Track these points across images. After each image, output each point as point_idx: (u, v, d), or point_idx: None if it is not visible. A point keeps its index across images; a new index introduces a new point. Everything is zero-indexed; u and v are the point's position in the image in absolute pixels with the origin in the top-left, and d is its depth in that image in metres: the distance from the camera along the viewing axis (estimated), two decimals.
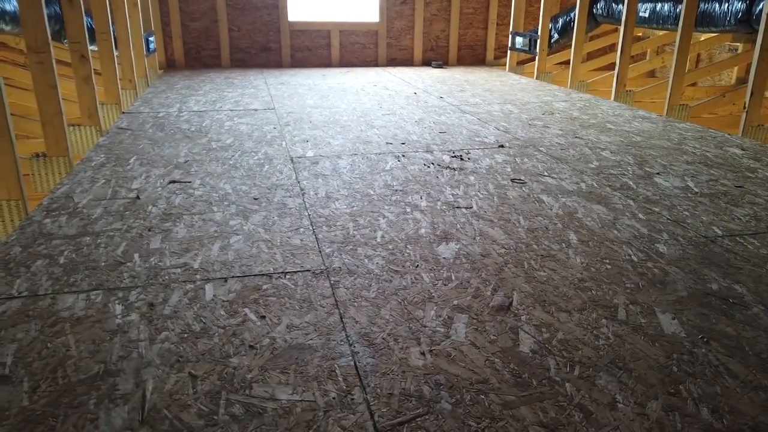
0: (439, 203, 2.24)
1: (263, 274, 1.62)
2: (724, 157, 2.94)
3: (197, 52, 6.36)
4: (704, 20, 4.41)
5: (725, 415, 1.09)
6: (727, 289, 1.58)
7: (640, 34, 6.57)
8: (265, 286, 1.55)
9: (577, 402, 1.12)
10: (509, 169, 2.70)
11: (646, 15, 5.03)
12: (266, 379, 1.17)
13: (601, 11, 5.49)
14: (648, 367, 1.23)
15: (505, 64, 6.74)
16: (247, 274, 1.62)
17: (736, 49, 5.57)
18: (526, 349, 1.29)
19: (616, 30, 5.97)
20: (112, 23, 3.99)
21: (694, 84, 5.99)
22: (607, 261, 1.75)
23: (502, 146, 3.13)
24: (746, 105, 3.35)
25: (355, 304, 1.48)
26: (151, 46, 5.21)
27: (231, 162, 2.74)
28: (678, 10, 4.35)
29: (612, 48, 6.61)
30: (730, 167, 2.76)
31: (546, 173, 2.65)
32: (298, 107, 4.16)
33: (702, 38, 5.52)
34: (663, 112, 4.05)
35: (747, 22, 4.09)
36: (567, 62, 5.78)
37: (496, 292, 1.55)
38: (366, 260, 1.73)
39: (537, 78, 5.90)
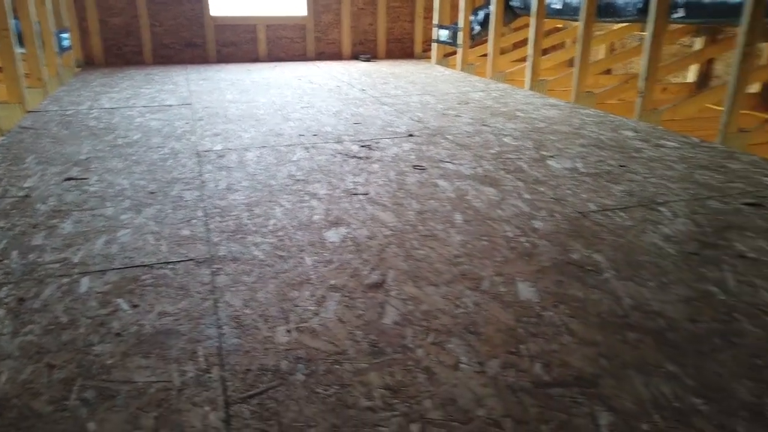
0: (338, 191, 2.29)
1: (144, 265, 1.63)
2: (616, 140, 3.12)
3: (118, 49, 6.19)
4: (608, 11, 4.64)
5: (555, 369, 1.19)
6: (586, 258, 1.70)
7: (560, 25, 6.83)
8: (144, 277, 1.57)
9: (424, 365, 1.20)
10: (413, 157, 2.78)
11: (560, 7, 5.24)
12: (126, 364, 1.20)
13: (518, 3, 5.67)
14: (496, 330, 1.32)
15: (432, 57, 6.86)
16: (128, 266, 1.63)
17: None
18: (389, 321, 1.37)
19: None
20: (16, 18, 3.85)
21: (608, 71, 6.28)
22: (485, 238, 1.85)
23: (411, 135, 3.22)
24: (641, 90, 3.56)
25: (233, 289, 1.51)
26: (64, 42, 5.04)
27: (134, 158, 2.71)
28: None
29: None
30: (620, 148, 2.94)
31: (448, 159, 2.74)
32: (216, 102, 4.13)
33: (614, 27, 5.79)
34: (571, 99, 4.25)
35: (646, 12, 4.33)
36: (496, 53, 5.95)
37: (373, 271, 1.62)
38: (253, 247, 1.76)
39: (462, 70, 6.04)
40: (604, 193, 2.27)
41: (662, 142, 3.07)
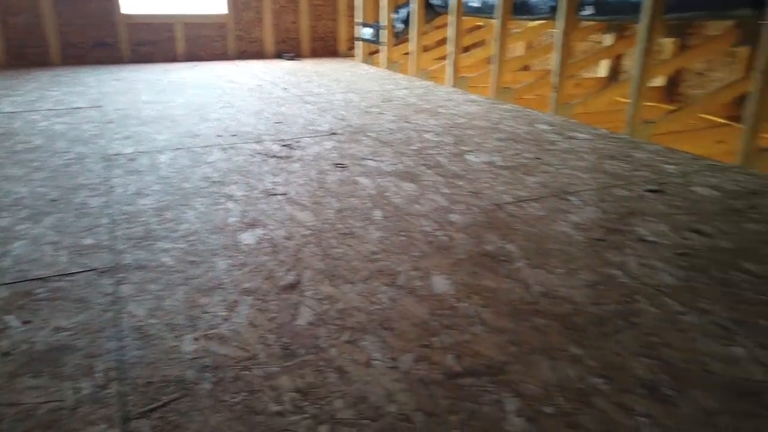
0: (255, 192, 2.23)
1: (39, 278, 1.52)
2: (532, 133, 3.22)
3: (22, 50, 5.79)
4: (523, 8, 4.79)
5: (466, 359, 1.20)
6: (500, 248, 1.74)
7: (481, 23, 7.00)
8: (38, 290, 1.46)
9: (337, 365, 1.18)
10: (335, 155, 2.76)
11: (478, 5, 5.37)
12: (13, 385, 1.11)
13: (438, 2, 5.76)
14: (411, 325, 1.33)
15: (357, 56, 6.86)
16: (20, 279, 1.51)
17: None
18: (303, 322, 1.34)
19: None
20: None
21: (526, 68, 6.50)
22: (403, 233, 1.85)
23: (334, 133, 3.19)
24: (555, 85, 3.69)
25: (137, 298, 1.44)
26: None
27: (35, 164, 2.53)
28: None
29: (460, 36, 6.96)
30: (535, 142, 3.04)
31: (369, 157, 2.74)
32: (130, 104, 3.93)
33: (531, 25, 5.99)
34: (491, 95, 4.36)
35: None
36: (420, 51, 6.01)
37: (289, 272, 1.58)
38: (162, 254, 1.68)
39: (386, 68, 6.07)
40: (520, 185, 2.33)
41: (574, 134, 3.20)
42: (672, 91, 5.04)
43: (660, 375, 1.15)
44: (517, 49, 6.78)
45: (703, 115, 3.81)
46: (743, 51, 4.04)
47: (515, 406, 1.06)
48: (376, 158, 2.71)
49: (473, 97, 4.39)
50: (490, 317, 1.36)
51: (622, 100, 4.46)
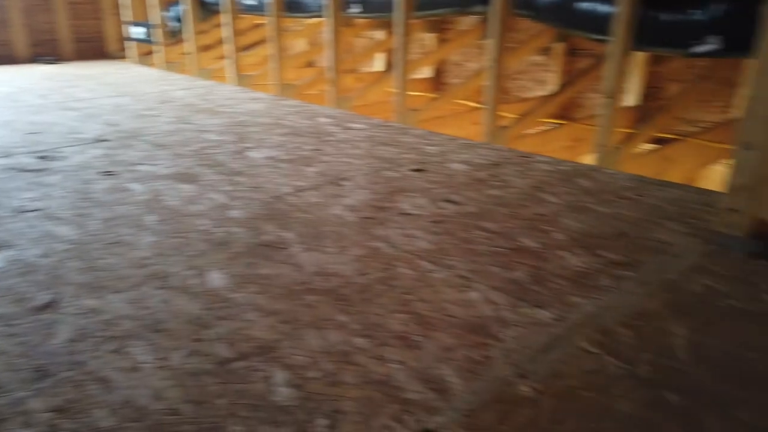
0: (2, 211, 1.98)
1: None
2: (313, 127, 3.35)
3: None
4: (297, 6, 4.92)
5: (238, 345, 1.24)
6: (277, 237, 1.80)
7: (264, 21, 6.99)
8: None
9: (99, 376, 1.13)
10: (104, 163, 2.56)
11: (253, 3, 5.36)
12: None
13: (212, 0, 5.62)
14: (183, 323, 1.32)
15: (130, 57, 6.38)
16: None
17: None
18: (59, 341, 1.24)
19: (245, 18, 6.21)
20: None
21: (311, 64, 6.69)
22: (178, 235, 1.81)
23: (102, 140, 2.95)
24: (331, 80, 3.87)
25: None
26: None
27: None
28: None
29: (241, 34, 6.86)
30: (316, 134, 3.17)
31: (143, 161, 2.60)
32: None
33: (310, 22, 6.17)
34: (274, 92, 4.41)
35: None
36: (200, 50, 5.78)
37: (44, 292, 1.45)
38: None
39: (164, 68, 5.76)
40: (299, 176, 2.42)
41: (351, 125, 3.40)
42: (438, 80, 5.61)
43: (411, 325, 1.31)
44: (300, 45, 6.93)
45: (461, 101, 4.32)
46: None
47: (283, 378, 1.12)
48: (150, 162, 2.58)
49: (257, 94, 4.39)
50: (265, 302, 1.41)
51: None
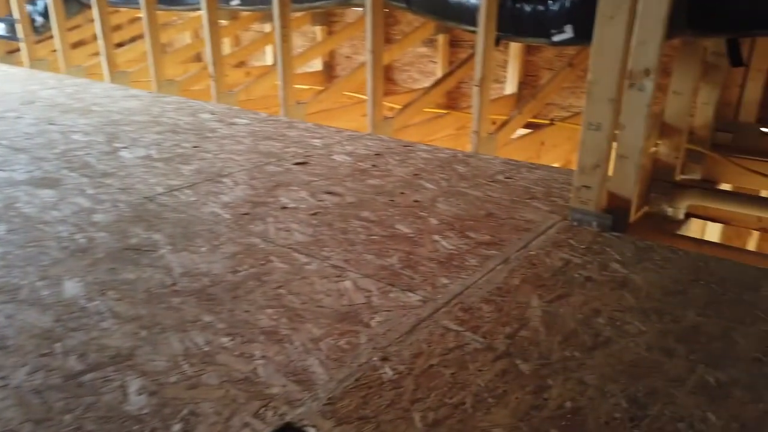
0: None
1: None
2: (194, 123, 3.22)
3: None
4: (175, 0, 4.70)
5: (91, 355, 1.16)
6: (145, 239, 1.72)
7: (141, 15, 6.62)
8: None
9: None
10: None
11: None
12: None
13: None
14: (29, 337, 1.22)
15: None
16: None
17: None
18: None
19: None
20: None
21: (200, 59, 6.44)
22: (32, 244, 1.67)
23: None
24: (212, 75, 3.74)
25: None
26: None
27: None
28: None
29: (118, 29, 6.46)
30: (196, 131, 3.05)
31: None
32: None
33: (192, 15, 5.91)
34: (153, 89, 4.19)
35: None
36: (73, 46, 5.37)
37: None
38: None
39: (31, 67, 5.30)
40: (174, 175, 2.32)
41: (235, 120, 3.31)
42: (329, 74, 5.60)
43: (281, 320, 1.30)
44: (185, 39, 6.64)
45: (350, 93, 4.34)
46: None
47: (138, 386, 1.07)
48: (5, 168, 2.36)
49: (135, 92, 4.15)
50: (124, 309, 1.34)
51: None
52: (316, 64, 5.46)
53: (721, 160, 2.92)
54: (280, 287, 1.44)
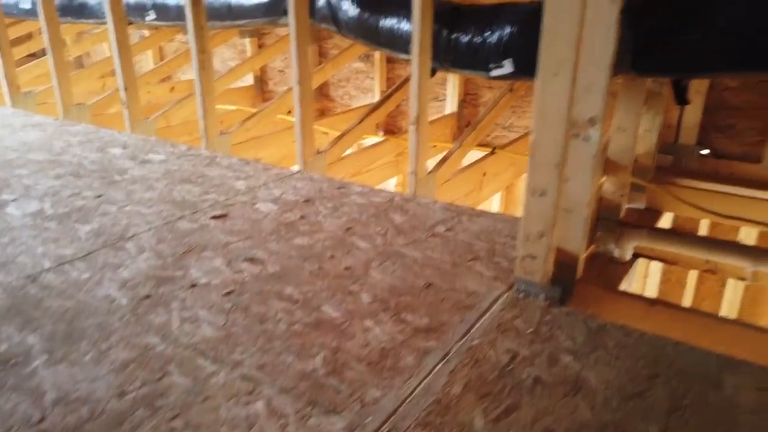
0: None
1: None
2: (101, 162, 2.87)
3: None
4: (84, 12, 4.28)
5: None
6: (17, 345, 1.42)
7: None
8: None
9: None
10: None
11: (29, 6, 4.58)
12: None
13: None
14: None
15: None
16: None
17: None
18: None
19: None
20: None
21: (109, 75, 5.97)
22: None
23: None
24: (124, 101, 3.39)
25: None
26: None
27: None
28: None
29: (20, 43, 5.89)
30: (103, 172, 2.71)
31: None
32: None
33: (97, 31, 5.44)
34: (60, 114, 3.78)
35: (130, 14, 4.15)
36: None
37: None
38: None
39: None
40: (68, 240, 2.00)
41: (150, 156, 2.98)
42: (261, 89, 5.29)
43: None
44: (104, 52, 6.16)
45: (282, 117, 4.06)
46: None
47: None
48: None
49: (38, 119, 3.73)
50: None
51: (220, 106, 4.44)
52: (247, 79, 5.13)
53: (661, 192, 2.86)
54: (175, 417, 1.19)
